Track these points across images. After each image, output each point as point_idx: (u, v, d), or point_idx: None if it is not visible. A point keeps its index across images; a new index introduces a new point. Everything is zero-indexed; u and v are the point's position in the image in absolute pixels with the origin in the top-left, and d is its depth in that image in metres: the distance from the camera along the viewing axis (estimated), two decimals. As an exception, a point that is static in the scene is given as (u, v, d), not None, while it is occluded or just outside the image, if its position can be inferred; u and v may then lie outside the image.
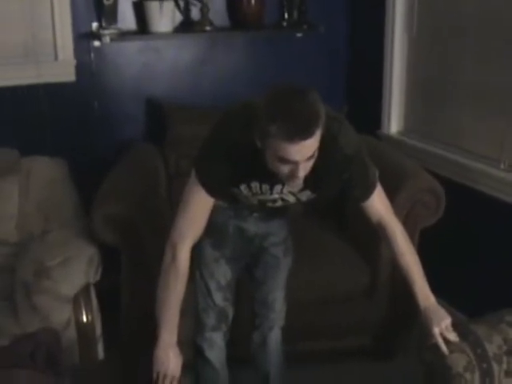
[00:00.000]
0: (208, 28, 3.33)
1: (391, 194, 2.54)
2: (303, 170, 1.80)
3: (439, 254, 3.05)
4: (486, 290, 2.85)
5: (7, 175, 2.85)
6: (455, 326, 1.95)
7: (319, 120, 1.73)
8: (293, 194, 2.05)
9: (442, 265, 3.00)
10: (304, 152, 1.75)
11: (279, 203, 2.11)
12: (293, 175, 1.80)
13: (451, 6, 3.08)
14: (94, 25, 3.19)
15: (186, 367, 2.05)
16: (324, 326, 2.76)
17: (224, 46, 3.51)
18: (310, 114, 1.71)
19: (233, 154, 1.90)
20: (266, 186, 2.01)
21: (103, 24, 3.15)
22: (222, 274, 2.30)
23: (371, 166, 2.06)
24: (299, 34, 3.60)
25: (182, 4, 3.30)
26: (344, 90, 3.76)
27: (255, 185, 2.01)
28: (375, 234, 2.49)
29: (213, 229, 2.20)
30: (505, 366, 1.87)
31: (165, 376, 1.96)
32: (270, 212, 2.27)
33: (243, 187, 2.02)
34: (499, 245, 2.84)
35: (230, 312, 2.36)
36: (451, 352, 1.87)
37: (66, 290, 2.42)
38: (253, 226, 2.32)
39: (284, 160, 1.77)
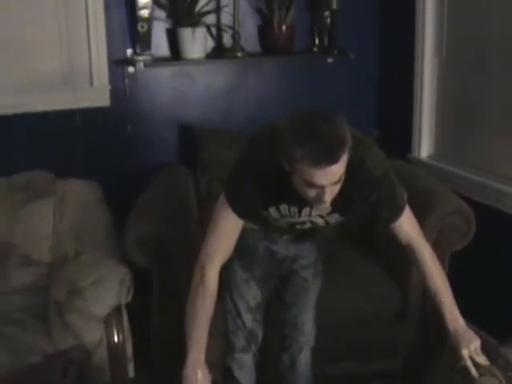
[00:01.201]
0: (239, 54, 3.38)
1: (421, 218, 2.54)
2: (330, 194, 1.81)
3: (470, 278, 3.02)
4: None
5: (43, 197, 2.90)
6: (485, 349, 1.94)
7: (345, 145, 1.74)
8: (321, 216, 2.07)
9: (473, 288, 2.98)
10: (330, 177, 1.76)
11: (308, 225, 2.12)
12: (319, 199, 1.81)
13: (480, 29, 3.09)
14: (129, 51, 3.27)
15: (215, 388, 2.06)
16: (354, 348, 2.75)
17: (255, 71, 3.56)
18: (335, 139, 1.72)
19: (261, 176, 1.93)
20: (294, 209, 2.02)
21: (137, 50, 3.22)
22: (251, 295, 2.31)
23: (400, 188, 2.07)
24: (330, 60, 3.62)
25: (214, 31, 3.37)
26: (374, 115, 3.77)
27: (284, 207, 2.02)
28: (406, 256, 2.48)
29: (243, 250, 2.22)
30: (535, 390, 1.85)
31: None
32: (299, 235, 2.28)
33: (272, 210, 2.04)
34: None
35: (260, 333, 2.37)
36: (481, 375, 1.86)
37: (98, 311, 2.46)
38: (283, 248, 2.33)
39: (310, 184, 1.78)
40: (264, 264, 2.33)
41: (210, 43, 3.38)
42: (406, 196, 2.08)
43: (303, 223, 2.11)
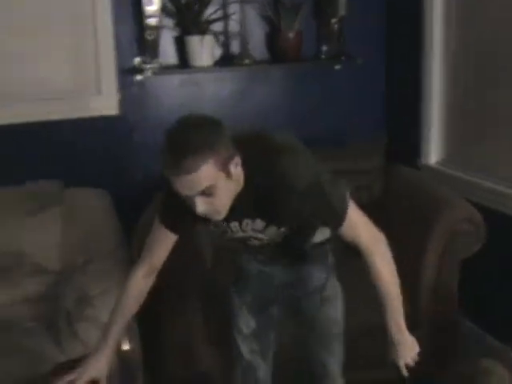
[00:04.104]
0: (247, 61, 3.39)
1: (430, 224, 2.53)
2: (202, 205, 1.69)
3: (479, 283, 3.01)
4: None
5: (51, 206, 2.92)
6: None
7: (201, 155, 1.61)
8: (259, 231, 1.94)
9: (483, 293, 2.96)
10: (187, 187, 1.65)
11: (255, 242, 1.99)
12: (194, 208, 1.70)
13: (489, 32, 3.08)
14: (137, 60, 3.28)
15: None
16: (359, 357, 2.70)
17: (263, 78, 3.56)
18: (187, 150, 1.61)
19: (176, 196, 1.77)
20: (223, 224, 1.91)
21: (145, 59, 3.23)
22: (244, 322, 2.22)
23: (335, 192, 1.88)
24: (337, 66, 3.63)
25: (221, 38, 3.37)
26: (383, 121, 3.77)
27: (215, 222, 1.88)
28: (416, 264, 2.46)
29: (236, 273, 2.20)
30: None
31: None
32: (293, 256, 2.14)
33: (211, 225, 1.94)
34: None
35: (261, 368, 2.24)
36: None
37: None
38: (275, 269, 2.18)
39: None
40: (258, 288, 2.20)
41: (218, 51, 3.38)
42: (347, 194, 1.89)
43: (246, 239, 1.98)
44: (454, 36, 3.30)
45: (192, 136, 1.65)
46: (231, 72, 3.50)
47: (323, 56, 3.59)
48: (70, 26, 3.19)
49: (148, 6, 3.14)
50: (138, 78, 3.29)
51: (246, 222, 1.90)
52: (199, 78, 3.44)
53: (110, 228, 2.98)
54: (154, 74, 3.23)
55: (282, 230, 1.94)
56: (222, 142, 1.67)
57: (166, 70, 3.31)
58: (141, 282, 2.00)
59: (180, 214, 1.84)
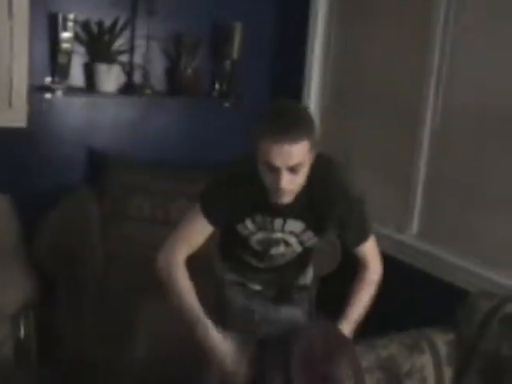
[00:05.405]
0: (147, 92, 3.76)
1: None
2: (286, 181, 1.83)
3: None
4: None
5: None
6: None
7: (307, 129, 1.82)
8: (295, 235, 2.06)
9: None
10: (285, 158, 1.79)
11: (282, 249, 2.11)
12: (277, 184, 1.83)
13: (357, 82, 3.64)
14: (48, 79, 3.56)
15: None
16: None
17: (161, 108, 3.92)
18: (297, 121, 1.82)
19: (236, 187, 1.97)
20: (268, 219, 2.03)
21: (56, 79, 3.53)
22: None
23: (369, 220, 2.12)
24: (226, 104, 4.02)
25: (126, 68, 3.74)
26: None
27: (259, 217, 2.03)
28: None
29: (220, 308, 2.23)
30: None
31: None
32: (279, 290, 2.25)
33: (248, 222, 2.04)
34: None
35: None
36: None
37: (6, 309, 2.77)
38: (261, 307, 2.24)
39: (268, 165, 1.82)
40: (238, 326, 2.19)
41: (122, 79, 3.72)
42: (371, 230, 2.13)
43: (277, 243, 2.08)
44: (329, 84, 3.88)
45: (303, 114, 1.88)
46: (132, 100, 3.84)
47: (215, 94, 4.00)
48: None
49: (63, 32, 3.45)
50: (48, 96, 3.56)
51: (290, 221, 2.03)
52: (103, 103, 3.77)
53: (11, 228, 3.24)
54: (63, 94, 3.53)
55: (315, 238, 2.09)
56: (315, 131, 1.88)
57: (74, 91, 3.62)
58: (183, 266, 2.05)
59: (226, 207, 1.99)
